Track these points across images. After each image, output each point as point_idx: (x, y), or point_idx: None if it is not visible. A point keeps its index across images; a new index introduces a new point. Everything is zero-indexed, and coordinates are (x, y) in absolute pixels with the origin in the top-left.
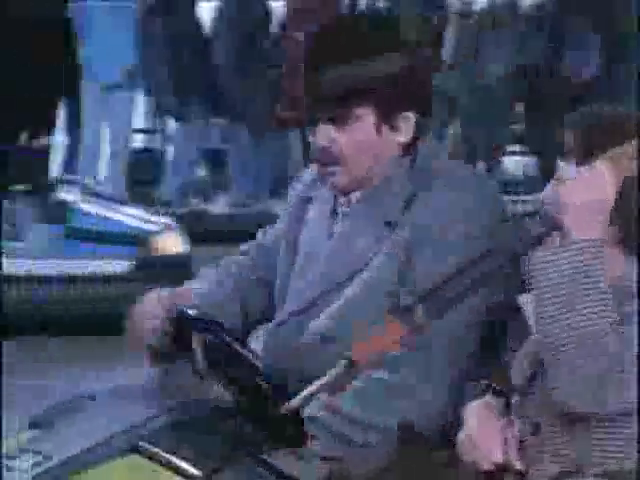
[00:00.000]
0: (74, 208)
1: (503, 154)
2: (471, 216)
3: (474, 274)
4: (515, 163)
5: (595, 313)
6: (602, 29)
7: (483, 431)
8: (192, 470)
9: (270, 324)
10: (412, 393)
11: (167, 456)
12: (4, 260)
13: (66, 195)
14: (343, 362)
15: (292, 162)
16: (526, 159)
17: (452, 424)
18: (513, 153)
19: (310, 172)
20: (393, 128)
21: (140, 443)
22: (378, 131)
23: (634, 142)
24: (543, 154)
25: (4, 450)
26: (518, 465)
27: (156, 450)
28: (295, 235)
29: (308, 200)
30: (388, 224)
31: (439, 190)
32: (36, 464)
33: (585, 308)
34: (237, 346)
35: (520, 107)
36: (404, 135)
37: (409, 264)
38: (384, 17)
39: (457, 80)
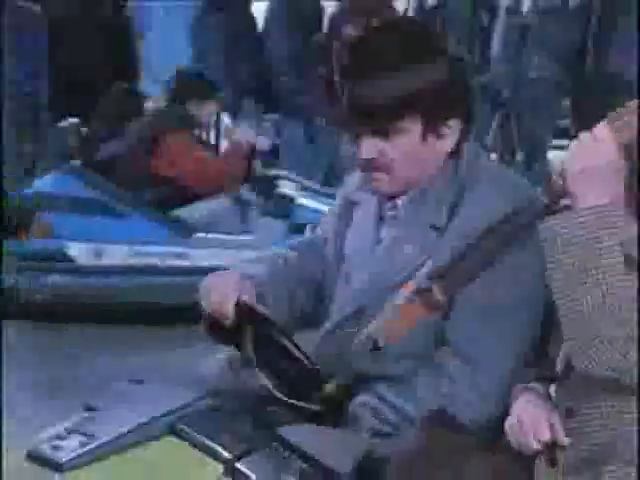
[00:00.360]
0: (296, 203)
1: (548, 148)
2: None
3: (489, 245)
4: (560, 157)
5: (607, 281)
6: None
7: (531, 414)
8: (223, 453)
9: (321, 330)
10: (463, 403)
11: (201, 439)
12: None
13: (287, 190)
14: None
15: (341, 158)
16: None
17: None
18: (559, 148)
19: (357, 175)
20: (439, 136)
21: (178, 426)
22: (424, 140)
23: (633, 103)
24: None
25: (56, 431)
26: (566, 441)
27: (192, 433)
28: (341, 239)
29: (353, 203)
30: (435, 228)
31: (482, 196)
32: (82, 444)
33: (599, 275)
34: (286, 340)
35: (567, 102)
36: (449, 142)
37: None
38: (421, 23)
39: (503, 75)
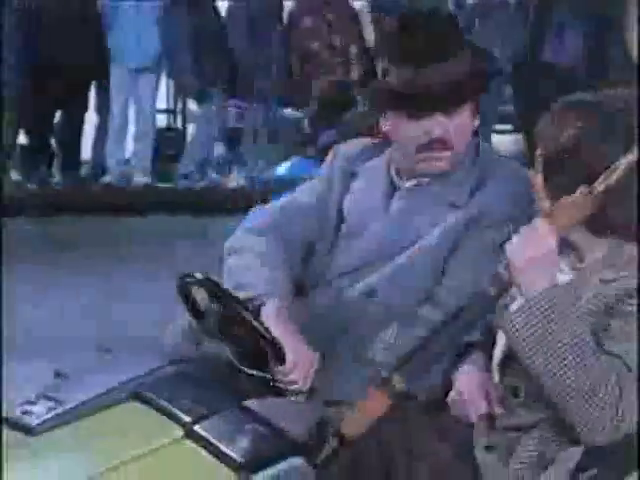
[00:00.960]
0: None
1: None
2: (523, 203)
3: (447, 335)
4: (502, 141)
5: (576, 358)
6: (585, 15)
7: (470, 388)
8: (183, 416)
9: (325, 277)
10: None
11: (163, 403)
12: None
13: None
14: (332, 438)
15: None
16: (513, 137)
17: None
18: (501, 132)
19: (349, 147)
20: (474, 115)
21: (142, 391)
22: (473, 117)
23: (570, 197)
24: (529, 134)
25: (26, 397)
26: (498, 412)
27: (154, 398)
28: (339, 205)
29: (353, 174)
30: (453, 206)
31: (501, 180)
32: (50, 409)
33: (562, 351)
34: (248, 315)
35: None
36: (477, 121)
37: (460, 242)
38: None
39: None
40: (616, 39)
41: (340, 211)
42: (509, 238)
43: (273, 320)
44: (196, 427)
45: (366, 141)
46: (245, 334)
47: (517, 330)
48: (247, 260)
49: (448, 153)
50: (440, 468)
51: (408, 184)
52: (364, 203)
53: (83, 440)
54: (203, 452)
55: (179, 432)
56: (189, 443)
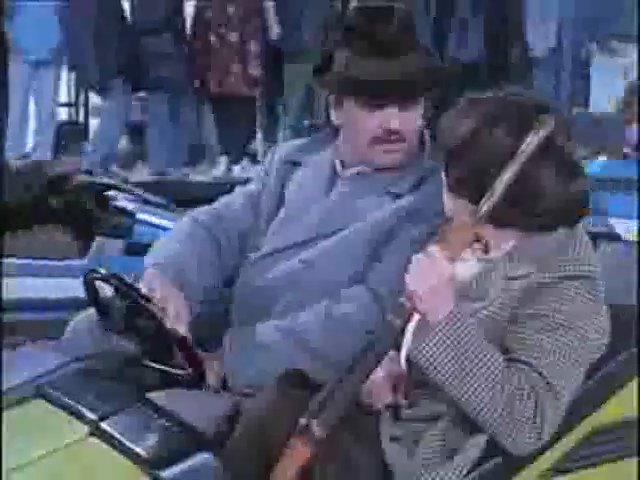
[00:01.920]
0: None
1: None
2: None
3: (360, 373)
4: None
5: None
6: (484, 12)
7: (378, 378)
8: (88, 413)
9: (252, 256)
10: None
11: (68, 401)
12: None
13: (125, 203)
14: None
15: (206, 132)
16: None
17: None
18: None
19: (291, 142)
20: (425, 110)
21: (46, 389)
22: (425, 113)
23: (458, 222)
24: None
25: None
26: (404, 404)
27: (58, 395)
28: (280, 191)
29: (295, 164)
30: (394, 195)
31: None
32: None
33: (476, 381)
34: (147, 304)
35: None
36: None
37: (396, 230)
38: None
39: None
40: (515, 36)
41: (280, 198)
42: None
43: (150, 278)
44: (102, 424)
45: (312, 136)
46: (150, 328)
47: (427, 359)
48: (167, 239)
49: (402, 145)
50: (348, 459)
51: (350, 172)
52: (306, 190)
53: None
54: (110, 449)
55: (85, 430)
56: (95, 441)
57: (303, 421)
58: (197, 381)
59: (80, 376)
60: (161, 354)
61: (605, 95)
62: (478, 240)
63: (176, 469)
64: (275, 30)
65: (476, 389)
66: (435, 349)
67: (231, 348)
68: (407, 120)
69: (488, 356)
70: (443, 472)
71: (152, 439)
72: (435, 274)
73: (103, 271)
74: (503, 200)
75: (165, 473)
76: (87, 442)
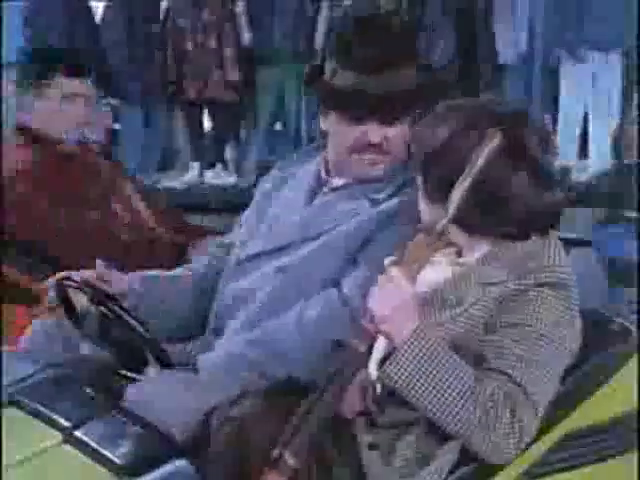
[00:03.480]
0: None
1: None
2: None
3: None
4: None
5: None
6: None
7: (350, 389)
8: (62, 421)
9: (229, 265)
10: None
11: (41, 409)
12: None
13: None
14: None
15: (178, 141)
16: None
17: None
18: None
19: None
20: (411, 125)
21: (18, 397)
22: (410, 126)
23: (414, 240)
24: None
25: None
26: (374, 410)
27: (32, 403)
28: (265, 205)
29: (283, 180)
30: (372, 201)
31: None
32: None
33: (448, 396)
34: (122, 312)
35: None
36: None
37: (373, 235)
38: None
39: None
40: (483, 38)
41: (263, 212)
42: None
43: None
44: (76, 432)
45: (305, 148)
46: (125, 336)
47: (396, 381)
48: None
49: (385, 159)
50: (326, 465)
51: (335, 183)
52: (288, 200)
53: None
54: (83, 457)
55: (58, 437)
56: (68, 448)
57: (276, 452)
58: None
59: (53, 383)
60: (135, 362)
61: (574, 100)
62: (451, 244)
63: (151, 476)
64: (247, 35)
65: (449, 405)
66: (401, 369)
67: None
68: (390, 134)
69: (457, 370)
70: (424, 473)
71: (127, 446)
72: (395, 295)
73: (77, 278)
74: (475, 207)
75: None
76: (60, 449)
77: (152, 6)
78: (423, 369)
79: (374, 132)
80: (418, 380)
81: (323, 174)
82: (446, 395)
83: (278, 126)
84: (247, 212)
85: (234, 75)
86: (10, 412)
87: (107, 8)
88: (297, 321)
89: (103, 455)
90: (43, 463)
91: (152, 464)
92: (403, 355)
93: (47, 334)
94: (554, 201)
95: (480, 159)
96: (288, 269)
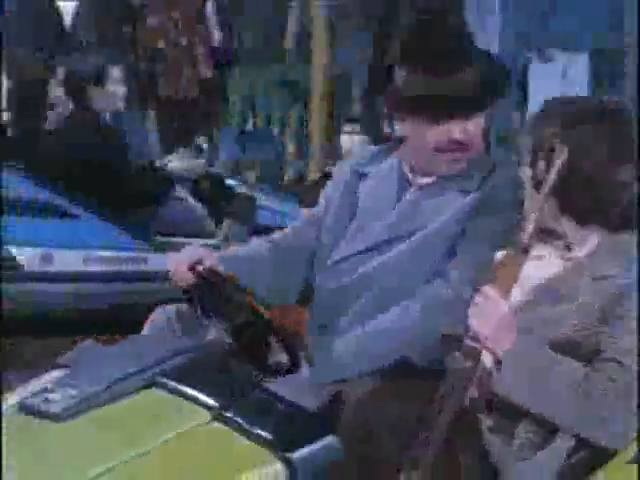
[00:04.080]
0: (259, 204)
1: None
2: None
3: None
4: (349, 141)
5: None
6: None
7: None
8: (208, 400)
9: (328, 262)
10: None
11: (185, 389)
12: None
13: (247, 190)
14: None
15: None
16: (358, 137)
17: None
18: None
19: (360, 152)
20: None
21: (159, 379)
22: (486, 121)
23: (502, 261)
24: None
25: (38, 386)
26: (489, 396)
27: (175, 384)
28: (351, 201)
29: (363, 175)
30: (463, 193)
31: (506, 168)
32: (72, 397)
33: (559, 398)
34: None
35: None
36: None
37: (469, 224)
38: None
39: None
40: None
41: (351, 209)
42: (514, 222)
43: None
44: (224, 411)
45: (374, 147)
46: (247, 321)
47: (505, 391)
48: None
49: (466, 154)
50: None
51: (423, 181)
52: (377, 197)
53: (107, 427)
54: (235, 434)
55: (207, 416)
56: (219, 426)
57: (412, 453)
58: (291, 371)
59: (191, 366)
60: (258, 346)
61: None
62: (559, 238)
63: (304, 451)
64: (216, 35)
65: (558, 404)
66: (509, 379)
67: (321, 348)
68: (471, 129)
69: (562, 369)
70: (542, 456)
71: (276, 424)
72: (493, 314)
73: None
74: (584, 195)
75: (295, 455)
76: (211, 427)
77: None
78: (527, 376)
79: (455, 129)
80: (524, 387)
81: (408, 174)
82: (554, 396)
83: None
84: (329, 192)
85: (206, 72)
86: (152, 392)
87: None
88: (403, 313)
89: (256, 431)
90: (194, 440)
91: (303, 440)
92: (507, 366)
93: (168, 320)
94: None
95: (551, 176)
96: (389, 264)
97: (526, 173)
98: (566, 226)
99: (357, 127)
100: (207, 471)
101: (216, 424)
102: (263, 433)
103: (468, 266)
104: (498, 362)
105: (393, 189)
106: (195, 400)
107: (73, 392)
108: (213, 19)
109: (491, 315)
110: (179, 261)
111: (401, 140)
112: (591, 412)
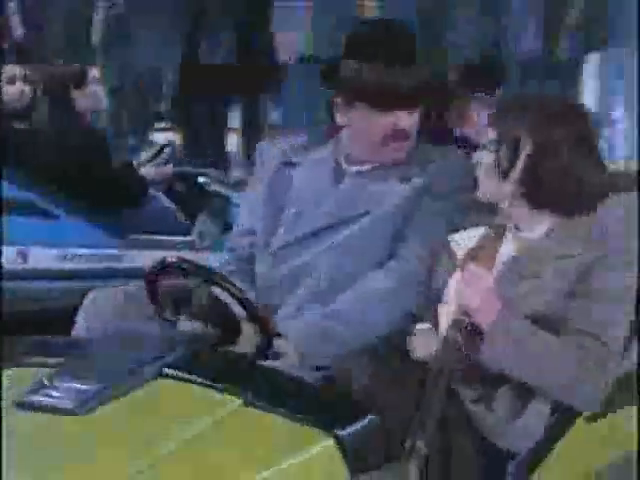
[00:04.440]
0: (231, 201)
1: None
2: (465, 176)
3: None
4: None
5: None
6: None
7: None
8: (235, 388)
9: (270, 248)
10: None
11: (194, 377)
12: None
13: (218, 187)
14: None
15: None
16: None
17: None
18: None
19: (278, 143)
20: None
21: (165, 370)
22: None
23: (483, 239)
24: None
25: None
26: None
27: (184, 374)
28: (283, 189)
29: (293, 164)
30: (404, 179)
31: (446, 156)
32: (79, 391)
33: (541, 365)
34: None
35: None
36: None
37: (414, 208)
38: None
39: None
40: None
41: (283, 198)
42: (457, 208)
43: None
44: (255, 396)
45: (297, 138)
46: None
47: (493, 359)
48: None
49: (407, 142)
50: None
51: (358, 168)
52: (313, 184)
53: (135, 419)
54: (274, 417)
55: (237, 402)
56: (254, 410)
57: (409, 443)
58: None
59: (192, 356)
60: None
61: None
62: (508, 217)
63: (351, 429)
64: (19, 30)
65: (541, 370)
66: (496, 349)
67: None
68: (413, 120)
69: (542, 339)
70: (525, 420)
71: (320, 404)
72: (481, 286)
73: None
74: (539, 183)
75: (344, 432)
76: (246, 412)
77: None
78: (513, 345)
79: (403, 119)
80: (510, 355)
81: (343, 162)
82: (536, 362)
83: None
84: (251, 197)
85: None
86: (163, 383)
87: None
88: (363, 294)
89: (296, 414)
90: (232, 427)
91: (349, 419)
92: (493, 337)
93: (114, 304)
94: (606, 177)
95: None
96: (337, 248)
97: (485, 158)
98: (519, 210)
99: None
100: (254, 455)
101: (250, 409)
102: (308, 414)
103: (419, 247)
104: (477, 333)
105: (329, 177)
106: (216, 388)
107: (83, 386)
108: (16, 18)
109: (478, 289)
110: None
111: (334, 129)
112: (566, 379)
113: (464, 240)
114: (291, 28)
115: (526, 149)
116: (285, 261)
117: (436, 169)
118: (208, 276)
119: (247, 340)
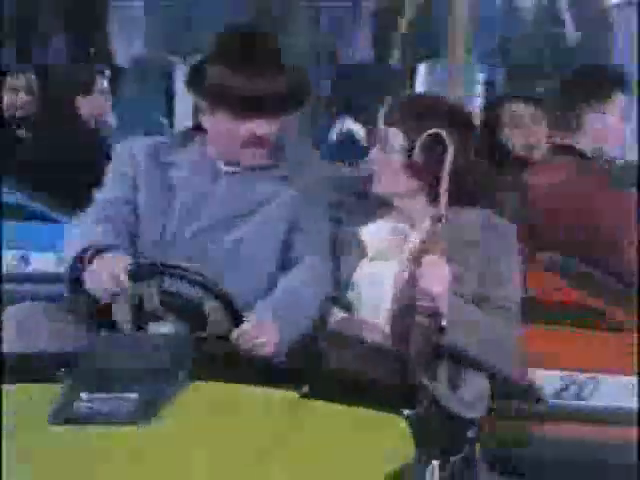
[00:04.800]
0: None
1: None
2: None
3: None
4: None
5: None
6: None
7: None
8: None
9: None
10: None
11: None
12: None
13: None
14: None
15: None
16: None
17: None
18: None
19: (143, 143)
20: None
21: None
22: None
23: (431, 230)
24: None
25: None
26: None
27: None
28: (160, 188)
29: (167, 164)
30: (281, 177)
31: (319, 165)
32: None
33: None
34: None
35: None
36: None
37: (300, 212)
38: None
39: None
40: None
41: (164, 196)
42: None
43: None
44: (307, 387)
45: (162, 137)
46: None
47: (456, 342)
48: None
49: (264, 150)
50: None
51: (233, 169)
52: (193, 186)
53: (195, 428)
54: (333, 405)
55: (294, 395)
56: (313, 402)
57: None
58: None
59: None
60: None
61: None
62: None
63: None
64: None
65: (487, 345)
66: (455, 324)
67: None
68: (272, 128)
69: (488, 319)
70: (465, 391)
71: (385, 387)
72: (443, 276)
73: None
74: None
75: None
76: (309, 402)
77: None
78: (470, 326)
79: (261, 127)
80: (470, 335)
81: (220, 163)
82: (487, 340)
83: None
84: (122, 171)
85: None
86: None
87: None
88: (287, 287)
89: (359, 399)
90: (300, 418)
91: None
92: (454, 315)
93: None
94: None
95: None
96: (243, 240)
97: (382, 156)
98: (417, 203)
99: None
100: (336, 445)
101: (309, 401)
102: (372, 398)
103: (318, 245)
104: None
105: (208, 175)
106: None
107: (131, 395)
108: None
109: (442, 278)
110: (110, 270)
111: (198, 129)
112: (502, 351)
113: (372, 233)
114: (127, 28)
115: (450, 157)
116: (174, 257)
117: (311, 172)
118: (163, 270)
119: (216, 322)
